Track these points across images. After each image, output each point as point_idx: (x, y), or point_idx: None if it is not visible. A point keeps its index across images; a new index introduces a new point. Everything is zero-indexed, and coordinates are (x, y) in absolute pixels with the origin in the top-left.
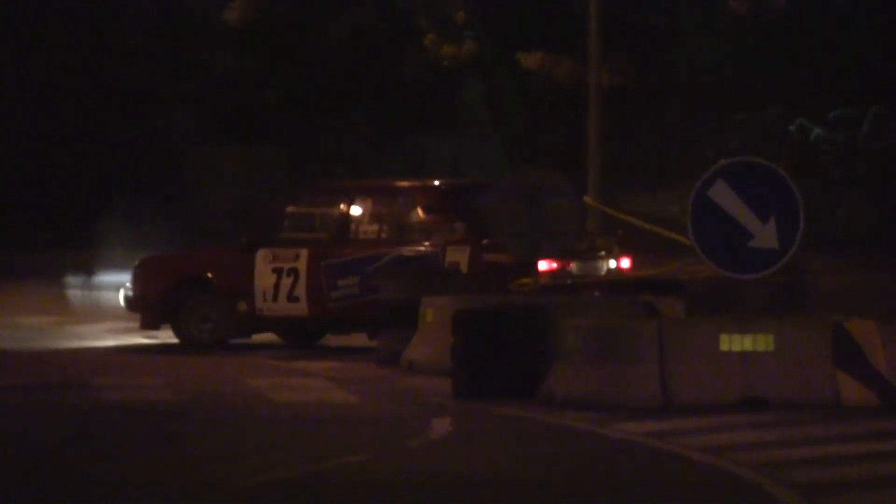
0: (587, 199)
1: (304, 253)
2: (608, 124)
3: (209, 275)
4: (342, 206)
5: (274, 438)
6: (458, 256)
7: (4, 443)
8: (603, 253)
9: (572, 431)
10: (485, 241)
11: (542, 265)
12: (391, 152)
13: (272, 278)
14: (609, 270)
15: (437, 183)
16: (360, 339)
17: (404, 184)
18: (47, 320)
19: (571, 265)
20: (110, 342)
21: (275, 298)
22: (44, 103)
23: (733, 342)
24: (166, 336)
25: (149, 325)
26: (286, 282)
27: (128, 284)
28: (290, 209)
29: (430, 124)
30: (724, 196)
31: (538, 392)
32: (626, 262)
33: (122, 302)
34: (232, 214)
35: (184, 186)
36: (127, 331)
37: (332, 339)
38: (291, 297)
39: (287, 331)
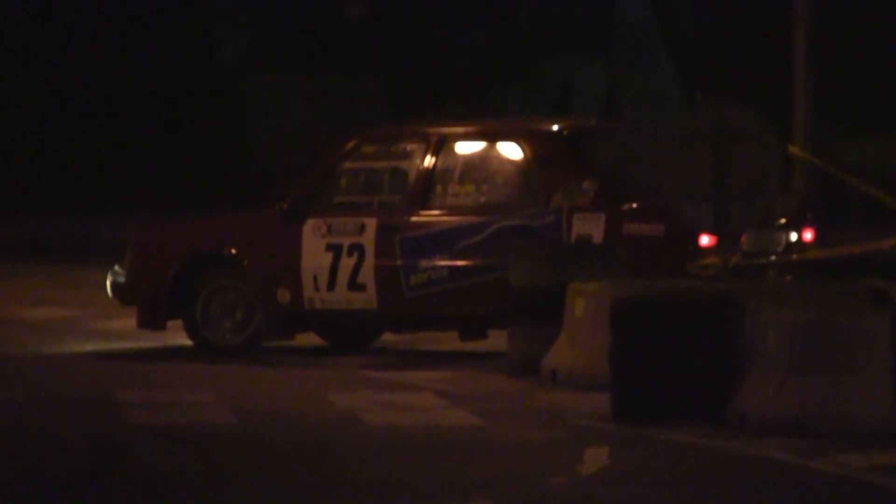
0: (793, 148)
1: (371, 223)
2: (820, 47)
3: (233, 251)
4: (422, 158)
5: (368, 474)
6: (589, 227)
7: (6, 477)
8: (784, 220)
9: (774, 466)
10: (625, 207)
11: (706, 240)
12: (520, 81)
13: (327, 258)
14: (791, 244)
15: (555, 127)
16: (479, 342)
17: (510, 126)
18: (60, 314)
19: (743, 238)
20: (144, 343)
21: (330, 286)
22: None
23: None
24: (176, 336)
25: (149, 322)
26: (347, 263)
27: (117, 267)
28: (347, 163)
29: (575, 43)
30: None
31: (727, 411)
32: (808, 234)
33: (109, 290)
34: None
35: (239, 130)
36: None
37: (423, 341)
38: (355, 285)
39: (337, 329)
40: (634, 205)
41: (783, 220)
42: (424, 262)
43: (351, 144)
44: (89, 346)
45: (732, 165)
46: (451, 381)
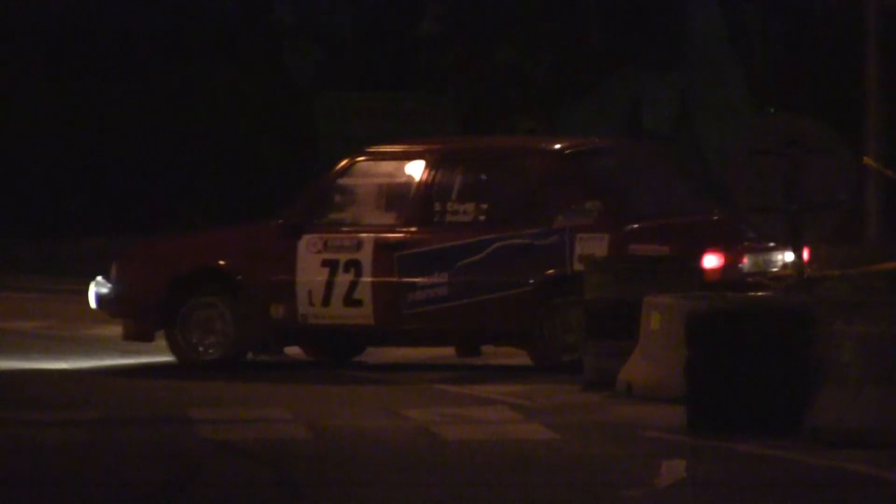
0: (867, 159)
1: (369, 240)
2: (892, 57)
3: (225, 265)
4: (423, 175)
5: (444, 490)
6: (592, 247)
7: (89, 493)
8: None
9: (850, 477)
10: (629, 227)
11: (711, 260)
12: (590, 97)
13: (322, 274)
14: (788, 264)
15: (559, 146)
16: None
17: (513, 145)
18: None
19: (745, 259)
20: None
21: (325, 302)
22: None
23: None
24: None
25: (137, 334)
26: (343, 279)
27: (100, 278)
28: (344, 180)
29: (646, 57)
30: None
31: (801, 423)
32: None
33: (91, 300)
34: None
35: (312, 147)
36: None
37: (495, 355)
38: (351, 301)
39: (324, 344)
40: (638, 225)
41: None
42: (423, 280)
43: (347, 161)
44: (151, 360)
45: (805, 178)
46: (526, 394)
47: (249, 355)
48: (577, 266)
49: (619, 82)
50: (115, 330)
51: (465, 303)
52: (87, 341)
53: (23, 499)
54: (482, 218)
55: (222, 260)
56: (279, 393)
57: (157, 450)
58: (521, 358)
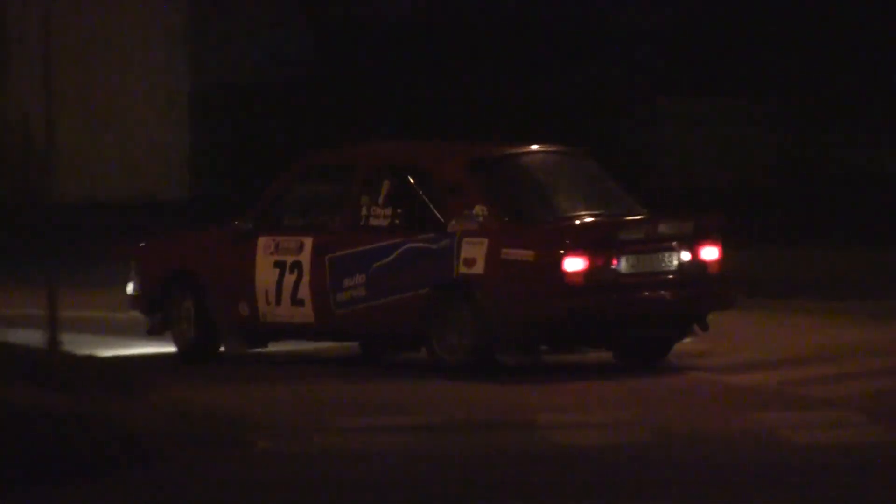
0: None
1: (308, 242)
2: None
3: (194, 267)
4: (352, 181)
5: (787, 494)
6: (474, 251)
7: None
8: (675, 243)
9: None
10: (505, 232)
11: (572, 263)
12: None
13: (274, 274)
14: (683, 264)
15: (460, 153)
16: None
17: (422, 152)
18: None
19: (616, 261)
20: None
21: (278, 301)
22: None
23: None
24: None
25: (153, 329)
26: (289, 279)
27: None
28: (296, 184)
29: None
30: None
31: None
32: (712, 252)
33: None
34: (696, 188)
35: (648, 151)
36: None
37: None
38: (296, 300)
39: (628, 346)
40: (513, 229)
41: (674, 243)
42: (348, 281)
43: (299, 166)
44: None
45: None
46: (876, 396)
47: (221, 348)
48: (462, 269)
49: None
50: None
51: (378, 303)
52: None
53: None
54: (397, 222)
55: (193, 262)
56: (626, 394)
57: (508, 455)
58: (872, 360)
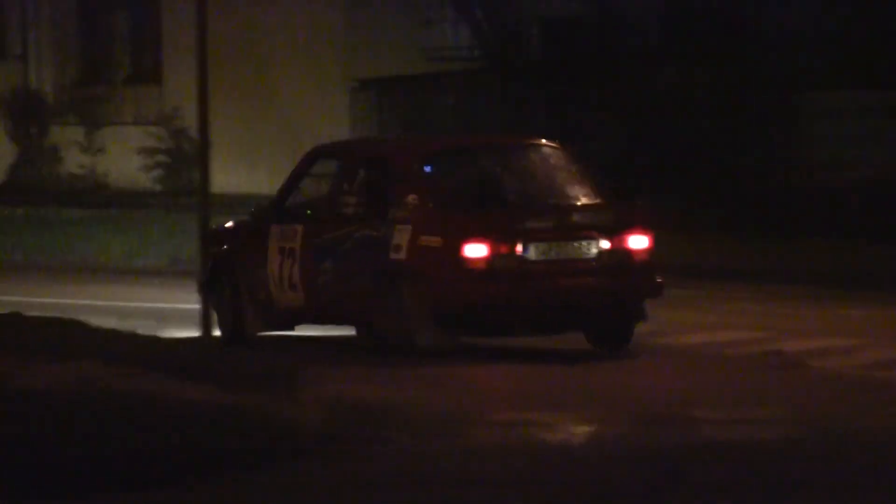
0: None
1: (300, 230)
2: None
3: (230, 254)
4: (337, 173)
5: None
6: (401, 238)
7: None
8: (595, 232)
9: None
10: (423, 220)
11: (474, 249)
12: None
13: (279, 260)
14: (603, 252)
15: (406, 147)
16: None
17: (383, 146)
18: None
19: (522, 248)
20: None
21: (282, 285)
22: None
23: None
24: None
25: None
26: (287, 264)
27: None
28: (303, 174)
29: None
30: None
31: None
32: (641, 241)
33: None
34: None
35: (794, 146)
36: None
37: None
38: (291, 285)
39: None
40: (428, 217)
41: (594, 232)
42: (323, 266)
43: (306, 157)
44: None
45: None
46: None
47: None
48: (392, 255)
49: None
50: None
51: (340, 289)
52: None
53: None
54: (360, 211)
55: (229, 251)
56: (780, 390)
57: (647, 449)
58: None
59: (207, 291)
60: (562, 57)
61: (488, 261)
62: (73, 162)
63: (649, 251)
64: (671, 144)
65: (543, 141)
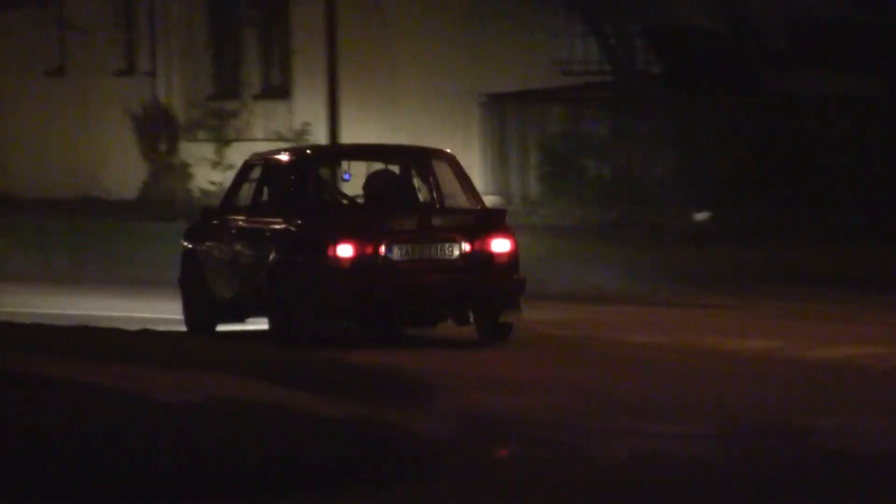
0: None
1: (227, 229)
2: None
3: (195, 251)
4: (259, 175)
5: None
6: (285, 239)
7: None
8: (456, 235)
9: None
10: (301, 219)
11: (341, 249)
12: None
13: (212, 258)
14: (465, 255)
15: (294, 152)
16: None
17: (292, 150)
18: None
19: (385, 249)
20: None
21: (216, 281)
22: None
23: None
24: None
25: None
26: (217, 262)
27: None
28: (241, 178)
29: None
30: None
31: None
32: (504, 244)
33: None
34: None
35: None
36: None
37: None
38: (223, 280)
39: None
40: (304, 218)
41: (455, 235)
42: (238, 263)
43: (243, 165)
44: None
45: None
46: None
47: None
48: (274, 255)
49: None
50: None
51: (250, 285)
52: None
53: None
54: (275, 209)
55: (190, 245)
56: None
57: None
58: None
59: (181, 285)
60: (690, 68)
61: (353, 260)
62: (204, 178)
63: (510, 253)
64: (806, 153)
65: (431, 149)
